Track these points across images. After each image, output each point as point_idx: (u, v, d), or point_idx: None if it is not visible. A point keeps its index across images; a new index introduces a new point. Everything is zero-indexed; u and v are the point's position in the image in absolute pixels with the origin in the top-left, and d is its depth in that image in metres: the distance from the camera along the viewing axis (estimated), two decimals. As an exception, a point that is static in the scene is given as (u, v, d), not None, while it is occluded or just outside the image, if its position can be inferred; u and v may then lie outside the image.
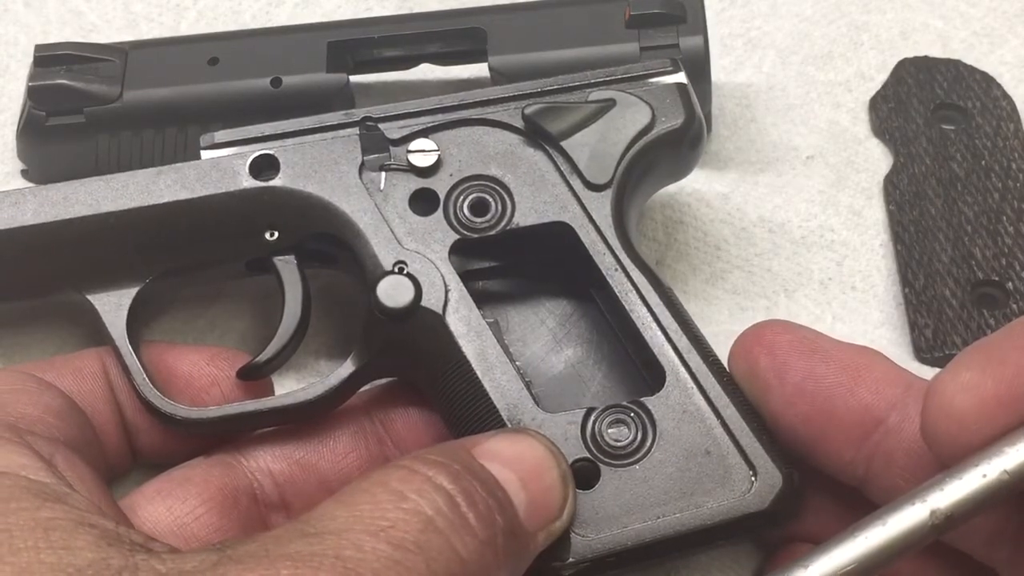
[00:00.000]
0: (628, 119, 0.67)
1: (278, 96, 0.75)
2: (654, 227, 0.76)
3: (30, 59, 0.78)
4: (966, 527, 0.54)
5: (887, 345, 0.72)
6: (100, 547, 0.50)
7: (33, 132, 0.77)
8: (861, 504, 0.58)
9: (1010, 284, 0.73)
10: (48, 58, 0.77)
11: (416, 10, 0.86)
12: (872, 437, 0.58)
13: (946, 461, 0.53)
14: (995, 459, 0.52)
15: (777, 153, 0.80)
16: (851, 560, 0.53)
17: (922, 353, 0.72)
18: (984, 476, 0.52)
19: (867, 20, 0.85)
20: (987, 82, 0.81)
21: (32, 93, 0.76)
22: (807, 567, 0.53)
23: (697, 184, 0.78)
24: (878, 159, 0.79)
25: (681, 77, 0.69)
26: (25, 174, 0.79)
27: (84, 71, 0.76)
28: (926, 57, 0.83)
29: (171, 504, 0.62)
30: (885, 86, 0.82)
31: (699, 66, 0.74)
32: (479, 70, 0.79)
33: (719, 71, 0.81)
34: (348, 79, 0.76)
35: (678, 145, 0.68)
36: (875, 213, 0.77)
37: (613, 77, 0.68)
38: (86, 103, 0.76)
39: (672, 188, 0.76)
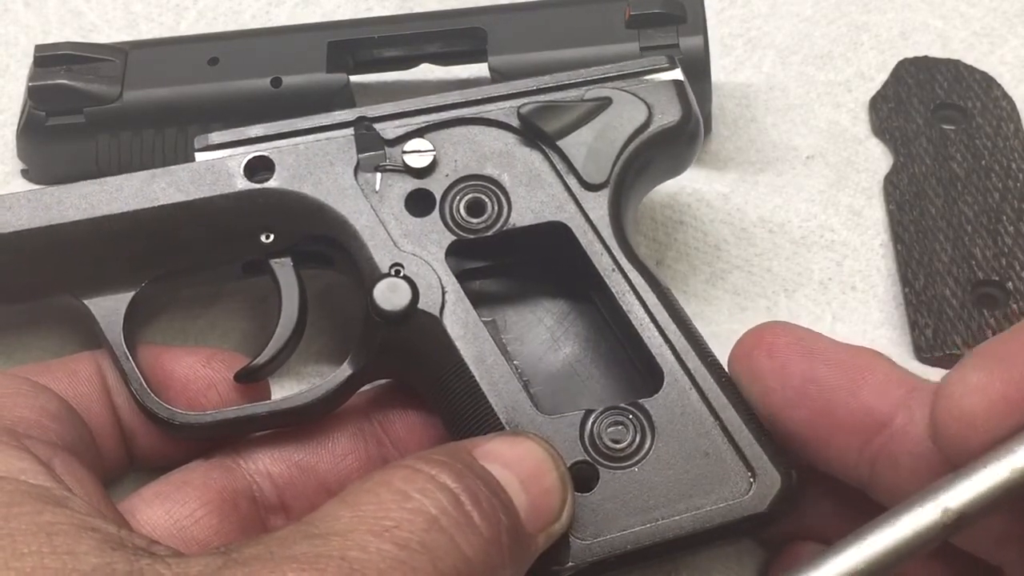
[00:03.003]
0: (624, 117, 0.67)
1: (278, 96, 0.75)
2: (654, 227, 0.76)
3: (30, 59, 0.78)
4: (975, 528, 0.54)
5: (887, 345, 0.72)
6: (104, 552, 0.50)
7: (33, 132, 0.77)
8: (865, 502, 0.58)
9: (1010, 284, 0.73)
10: (48, 58, 0.77)
11: (416, 10, 0.86)
12: (875, 440, 0.57)
13: (956, 462, 0.53)
14: (1006, 458, 0.52)
15: (777, 153, 0.80)
16: (862, 561, 0.52)
17: (922, 353, 0.71)
18: (995, 475, 0.52)
19: (867, 20, 0.85)
20: (987, 82, 0.81)
21: (32, 93, 0.76)
22: (817, 569, 0.53)
23: (697, 184, 0.78)
24: (878, 159, 0.79)
25: (678, 74, 0.69)
26: (25, 174, 0.79)
27: (84, 71, 0.76)
28: (926, 57, 0.82)
29: (170, 507, 0.62)
30: (885, 86, 0.82)
31: (699, 66, 0.74)
32: (479, 70, 0.79)
33: (719, 71, 0.81)
34: (348, 79, 0.76)
35: (675, 142, 0.68)
36: (875, 213, 0.77)
37: (609, 75, 0.68)
38: (86, 103, 0.76)
39: (672, 188, 0.76)
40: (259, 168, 0.66)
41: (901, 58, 0.83)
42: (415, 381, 0.65)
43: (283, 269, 0.66)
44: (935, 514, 0.52)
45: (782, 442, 0.60)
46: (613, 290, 0.63)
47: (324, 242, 0.66)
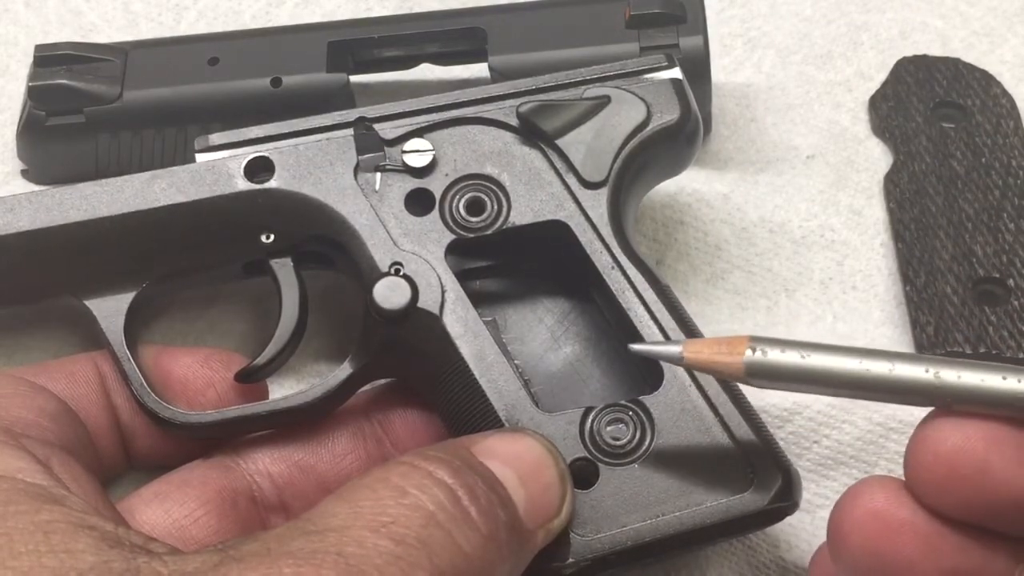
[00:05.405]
0: (623, 116, 0.67)
1: (278, 96, 0.75)
2: (654, 227, 0.76)
3: (30, 59, 0.78)
4: None
5: (889, 344, 0.72)
6: (101, 550, 0.50)
7: (33, 132, 0.77)
8: None
9: (1011, 281, 0.73)
10: (48, 58, 0.77)
11: (416, 10, 0.86)
12: None
13: None
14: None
15: (777, 153, 0.80)
16: (836, 370, 0.53)
17: (923, 351, 0.71)
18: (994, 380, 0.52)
19: (867, 20, 0.85)
20: (986, 80, 0.81)
21: (32, 93, 0.76)
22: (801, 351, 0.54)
23: (697, 184, 0.78)
24: (878, 158, 0.79)
25: (676, 72, 0.68)
26: (25, 174, 0.79)
27: (84, 71, 0.76)
28: (925, 56, 0.82)
29: (169, 507, 0.62)
30: (885, 85, 0.82)
31: (699, 66, 0.74)
32: (479, 70, 0.79)
33: (719, 71, 0.81)
34: (348, 79, 0.76)
35: (674, 141, 0.68)
36: (875, 212, 0.77)
37: (608, 74, 0.68)
38: (86, 103, 0.76)
39: (672, 188, 0.76)
40: (259, 169, 0.66)
41: (900, 57, 0.83)
42: (415, 380, 0.65)
43: (283, 269, 0.66)
44: (926, 375, 0.52)
45: None
46: (613, 288, 0.63)
47: (324, 242, 0.66)
